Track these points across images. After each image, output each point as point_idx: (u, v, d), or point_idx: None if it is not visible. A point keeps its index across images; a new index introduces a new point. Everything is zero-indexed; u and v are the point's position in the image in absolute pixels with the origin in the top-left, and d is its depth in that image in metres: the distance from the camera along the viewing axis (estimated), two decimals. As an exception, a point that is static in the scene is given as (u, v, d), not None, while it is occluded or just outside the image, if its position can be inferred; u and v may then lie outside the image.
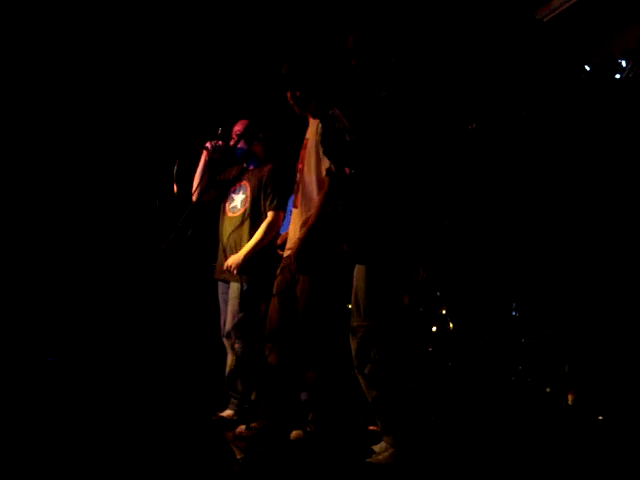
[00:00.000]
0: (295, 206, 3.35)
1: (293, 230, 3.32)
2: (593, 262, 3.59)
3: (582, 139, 3.61)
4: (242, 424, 3.50)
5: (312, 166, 3.24)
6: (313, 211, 3.13)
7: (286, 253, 3.35)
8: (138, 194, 5.11)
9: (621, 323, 3.39)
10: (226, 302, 3.94)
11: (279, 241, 3.72)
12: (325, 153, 2.94)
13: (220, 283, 4.02)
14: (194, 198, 3.90)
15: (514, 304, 4.12)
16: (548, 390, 3.63)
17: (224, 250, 3.93)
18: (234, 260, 3.77)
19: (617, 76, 3.54)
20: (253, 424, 3.41)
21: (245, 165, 4.03)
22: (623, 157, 3.48)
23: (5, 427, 3.22)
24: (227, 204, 4.01)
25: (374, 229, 2.67)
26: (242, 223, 3.87)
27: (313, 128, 3.30)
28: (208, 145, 3.88)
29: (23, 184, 4.96)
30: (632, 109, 3.48)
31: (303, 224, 3.19)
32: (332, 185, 3.07)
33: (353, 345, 2.77)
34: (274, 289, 3.36)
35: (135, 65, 5.11)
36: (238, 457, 2.99)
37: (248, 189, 3.91)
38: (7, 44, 4.72)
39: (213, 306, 4.11)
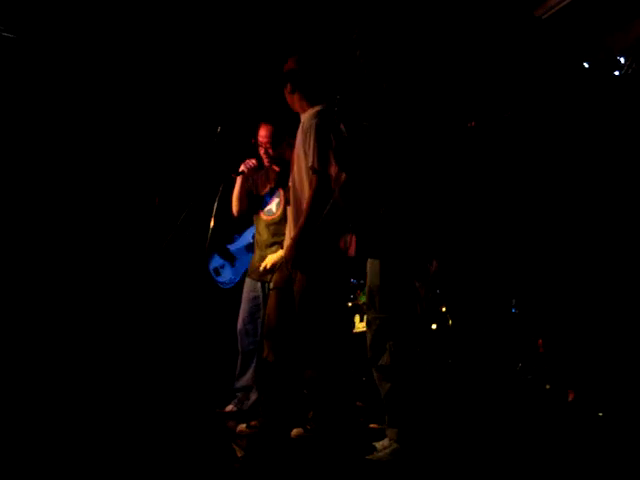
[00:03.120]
0: (288, 204, 3.38)
1: (288, 228, 3.34)
2: (593, 259, 3.59)
3: (581, 136, 3.62)
4: (243, 422, 3.51)
5: (301, 164, 3.26)
6: (304, 210, 3.15)
7: (283, 252, 3.37)
8: (138, 193, 5.12)
9: (622, 320, 3.40)
10: (251, 300, 3.96)
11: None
12: (317, 144, 2.97)
13: (248, 281, 4.04)
14: (235, 214, 4.04)
15: (514, 301, 4.12)
16: (548, 387, 3.63)
17: (261, 251, 3.95)
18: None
19: (616, 73, 3.54)
20: (253, 422, 3.42)
21: (277, 169, 4.03)
22: (622, 154, 3.48)
23: (8, 427, 3.22)
24: (263, 208, 4.04)
25: (386, 224, 2.69)
26: (280, 225, 3.87)
27: (301, 128, 3.32)
28: (243, 168, 3.93)
29: (26, 185, 4.97)
30: (631, 106, 3.48)
31: (295, 223, 3.22)
32: (319, 183, 3.09)
33: (368, 337, 2.79)
34: (271, 285, 3.38)
35: (149, 69, 5.12)
36: (239, 455, 3.00)
37: (281, 192, 3.93)
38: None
39: (218, 303, 4.12)
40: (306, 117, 3.25)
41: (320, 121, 3.14)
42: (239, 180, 4.00)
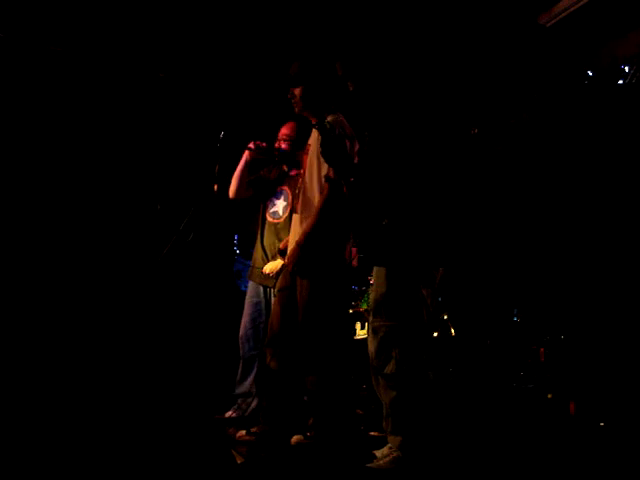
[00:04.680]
0: (295, 211, 3.35)
1: (293, 236, 3.32)
2: (594, 270, 3.59)
3: (585, 144, 3.61)
4: (243, 429, 3.50)
5: (313, 172, 3.24)
6: (312, 217, 3.14)
7: (286, 258, 3.36)
8: (140, 198, 5.11)
9: (623, 329, 3.39)
10: (253, 306, 3.93)
11: (281, 246, 3.72)
12: (325, 159, 2.95)
13: (251, 286, 4.00)
14: (230, 194, 3.90)
15: (515, 310, 4.11)
16: (550, 396, 3.62)
17: (265, 254, 3.92)
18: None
19: (620, 82, 3.54)
20: (254, 429, 3.40)
21: (286, 169, 3.99)
22: (625, 162, 3.48)
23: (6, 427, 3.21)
24: (268, 208, 4.00)
25: (392, 231, 2.69)
26: (286, 230, 3.82)
27: (315, 133, 3.30)
28: (251, 145, 3.86)
29: (26, 185, 4.97)
30: (635, 114, 3.48)
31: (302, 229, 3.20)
32: (331, 191, 3.08)
33: (373, 345, 2.78)
34: (275, 291, 3.37)
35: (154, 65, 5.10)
36: (239, 462, 2.98)
37: (290, 196, 3.89)
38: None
39: (219, 308, 4.10)
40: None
41: (337, 131, 3.11)
42: (243, 159, 3.89)
